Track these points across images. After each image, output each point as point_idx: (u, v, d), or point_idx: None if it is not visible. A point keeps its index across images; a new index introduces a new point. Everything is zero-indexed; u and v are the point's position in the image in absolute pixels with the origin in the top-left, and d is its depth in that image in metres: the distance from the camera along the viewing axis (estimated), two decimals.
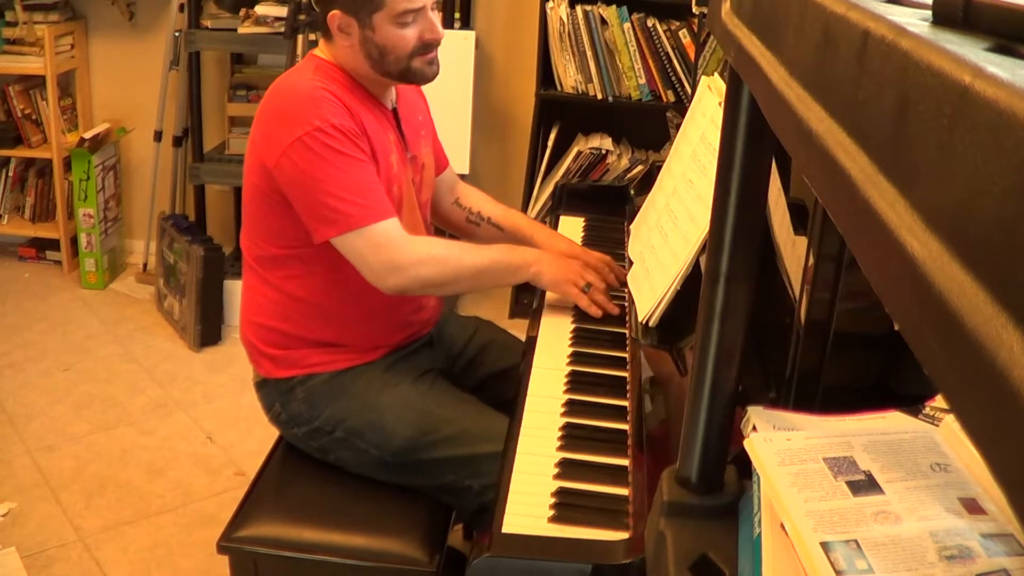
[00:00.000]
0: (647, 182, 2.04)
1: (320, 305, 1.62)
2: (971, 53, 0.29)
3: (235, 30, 3.20)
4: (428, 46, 1.56)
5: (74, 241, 3.61)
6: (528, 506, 1.13)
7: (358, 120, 1.53)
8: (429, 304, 1.74)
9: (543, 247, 1.75)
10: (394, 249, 1.50)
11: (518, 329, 1.86)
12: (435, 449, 1.54)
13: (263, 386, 1.68)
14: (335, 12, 1.53)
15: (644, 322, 1.48)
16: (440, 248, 1.57)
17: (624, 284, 1.69)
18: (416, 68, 1.57)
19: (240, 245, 1.69)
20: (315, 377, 1.62)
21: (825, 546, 0.62)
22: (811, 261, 0.93)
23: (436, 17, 1.58)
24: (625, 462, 1.22)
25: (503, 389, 1.74)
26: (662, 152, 3.19)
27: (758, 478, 0.73)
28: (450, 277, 1.56)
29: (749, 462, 0.74)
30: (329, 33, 1.57)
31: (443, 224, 1.95)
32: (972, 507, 0.64)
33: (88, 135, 3.42)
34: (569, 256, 1.71)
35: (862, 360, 0.96)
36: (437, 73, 1.62)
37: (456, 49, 3.02)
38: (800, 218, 1.11)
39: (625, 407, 1.35)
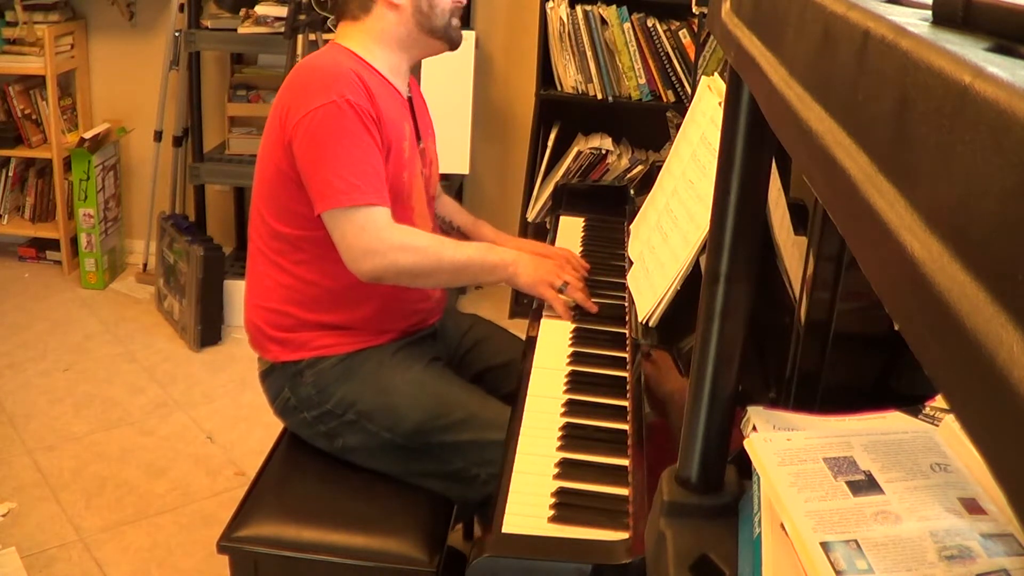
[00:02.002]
0: (647, 182, 2.05)
1: (331, 288, 1.63)
2: (971, 53, 0.29)
3: (235, 30, 3.20)
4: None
5: (74, 241, 3.61)
6: (528, 506, 1.13)
7: (375, 103, 1.55)
8: (434, 295, 1.75)
9: None
10: (375, 234, 1.51)
11: (518, 329, 1.86)
12: (446, 432, 1.55)
13: (270, 373, 1.68)
14: None
15: (644, 322, 1.48)
16: (421, 239, 1.58)
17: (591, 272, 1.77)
18: (454, 27, 1.67)
19: (249, 230, 1.70)
20: (324, 360, 1.63)
21: (825, 546, 0.62)
22: (811, 261, 0.93)
23: None
24: (625, 462, 1.22)
25: (499, 384, 1.76)
26: (662, 152, 3.19)
27: (758, 478, 0.73)
28: (427, 269, 1.57)
29: (749, 462, 0.74)
30: (355, 13, 1.63)
31: None
32: (972, 507, 0.64)
33: (88, 135, 3.42)
34: (544, 256, 1.73)
35: (862, 360, 0.96)
36: (460, 41, 1.71)
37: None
38: (800, 218, 1.11)
39: (625, 407, 1.35)
